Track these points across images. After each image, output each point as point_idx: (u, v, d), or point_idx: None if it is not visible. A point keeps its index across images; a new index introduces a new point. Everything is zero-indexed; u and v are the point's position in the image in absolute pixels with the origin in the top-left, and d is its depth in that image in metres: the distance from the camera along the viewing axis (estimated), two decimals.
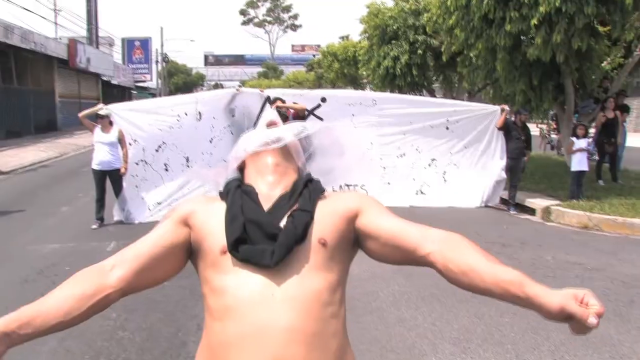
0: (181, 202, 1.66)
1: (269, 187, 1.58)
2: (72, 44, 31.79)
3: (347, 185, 9.10)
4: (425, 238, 1.48)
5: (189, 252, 1.56)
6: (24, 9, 29.21)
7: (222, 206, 1.53)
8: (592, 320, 1.18)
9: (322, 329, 1.38)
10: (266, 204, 1.52)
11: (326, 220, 1.50)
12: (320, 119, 9.63)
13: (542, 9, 9.07)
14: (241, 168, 1.70)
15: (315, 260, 1.43)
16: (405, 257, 1.51)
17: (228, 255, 1.43)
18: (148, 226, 1.62)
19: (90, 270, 1.46)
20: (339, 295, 1.47)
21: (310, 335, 1.36)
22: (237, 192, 1.54)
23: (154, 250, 1.51)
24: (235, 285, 1.40)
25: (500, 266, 1.36)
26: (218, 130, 9.36)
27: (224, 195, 1.58)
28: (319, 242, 1.45)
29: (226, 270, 1.43)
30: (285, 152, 1.65)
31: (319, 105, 9.68)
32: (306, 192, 1.55)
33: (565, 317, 1.22)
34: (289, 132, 1.67)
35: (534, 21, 9.31)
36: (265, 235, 1.42)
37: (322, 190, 1.59)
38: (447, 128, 10.26)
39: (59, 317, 1.33)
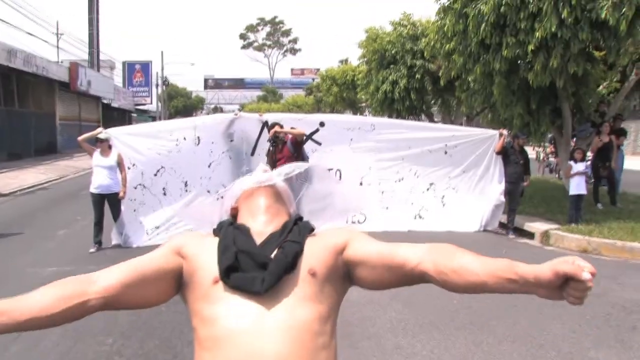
0: (175, 236, 1.70)
1: (261, 226, 1.61)
2: (74, 67, 32.04)
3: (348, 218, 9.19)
4: (413, 251, 1.50)
5: (178, 282, 1.57)
6: (28, 33, 29.38)
7: (214, 241, 1.57)
8: (586, 274, 1.18)
9: (313, 359, 1.38)
10: (258, 239, 1.55)
11: (315, 253, 1.53)
12: (319, 143, 9.66)
13: (538, 34, 9.15)
14: (234, 215, 1.75)
15: (306, 291, 1.45)
16: (397, 276, 1.52)
17: (219, 285, 1.45)
18: (146, 250, 1.64)
19: (76, 277, 1.49)
20: (330, 327, 1.48)
21: None
22: (230, 228, 1.60)
23: (143, 269, 1.53)
24: (225, 315, 1.41)
25: (488, 258, 1.39)
26: (217, 155, 9.38)
27: (216, 231, 1.62)
28: (309, 272, 1.48)
29: (216, 299, 1.44)
30: (277, 195, 1.73)
31: (317, 130, 9.71)
32: (296, 228, 1.59)
33: (560, 283, 1.23)
34: (280, 174, 1.77)
35: (531, 47, 9.39)
36: (256, 265, 1.45)
37: (311, 229, 1.62)
38: (446, 152, 10.28)
39: (33, 312, 1.34)
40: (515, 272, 1.30)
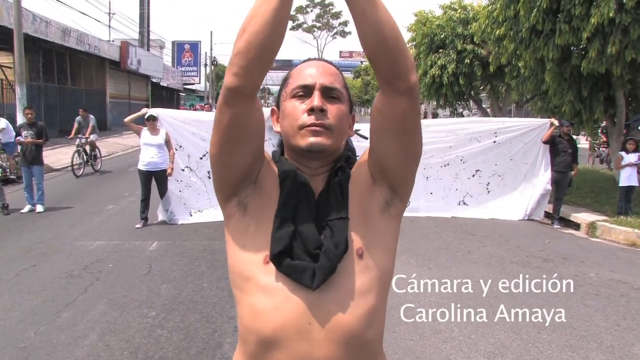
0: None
1: (309, 165, 1.46)
2: (124, 46, 32.64)
3: None
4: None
5: (255, 159, 1.44)
6: (81, 12, 30.04)
7: (276, 186, 1.43)
8: None
9: (359, 358, 1.37)
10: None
11: (357, 218, 1.42)
12: (365, 137, 9.55)
13: (593, 20, 8.87)
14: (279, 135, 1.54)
15: (356, 281, 1.37)
16: (391, 120, 1.37)
17: (269, 266, 1.36)
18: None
19: None
20: (378, 321, 1.43)
21: None
22: (294, 186, 1.41)
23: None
24: (270, 309, 1.35)
25: None
26: None
27: (280, 176, 1.44)
28: (357, 254, 1.38)
29: (264, 286, 1.36)
30: (334, 105, 1.43)
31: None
32: (337, 186, 1.42)
33: None
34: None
35: (586, 34, 9.10)
36: (307, 252, 1.35)
37: (349, 176, 1.46)
38: (495, 141, 10.11)
39: None
40: None
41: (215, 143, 1.39)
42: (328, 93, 1.42)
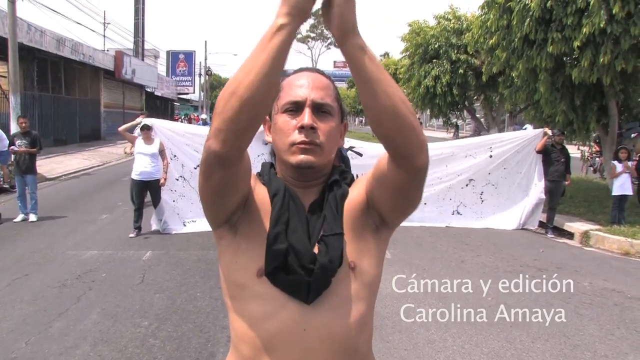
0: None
1: (299, 181, 1.46)
2: (119, 55, 32.60)
3: None
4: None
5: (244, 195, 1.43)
6: (76, 22, 30.12)
7: (267, 204, 1.43)
8: None
9: None
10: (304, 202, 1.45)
11: (350, 234, 1.43)
12: (360, 154, 9.52)
13: (585, 30, 8.93)
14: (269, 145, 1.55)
15: (348, 291, 1.39)
16: (389, 181, 1.35)
17: (262, 279, 1.37)
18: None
19: None
20: (368, 327, 1.46)
21: None
22: (285, 201, 1.41)
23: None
24: (264, 317, 1.36)
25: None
26: (252, 158, 9.39)
27: (270, 193, 1.44)
28: (350, 267, 1.40)
29: (257, 295, 1.38)
30: (325, 119, 1.42)
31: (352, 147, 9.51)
32: (332, 200, 1.43)
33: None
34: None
35: (577, 43, 9.17)
36: (301, 267, 1.34)
37: (346, 193, 1.46)
38: (490, 156, 10.13)
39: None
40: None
41: (202, 191, 1.38)
42: (319, 108, 1.41)
